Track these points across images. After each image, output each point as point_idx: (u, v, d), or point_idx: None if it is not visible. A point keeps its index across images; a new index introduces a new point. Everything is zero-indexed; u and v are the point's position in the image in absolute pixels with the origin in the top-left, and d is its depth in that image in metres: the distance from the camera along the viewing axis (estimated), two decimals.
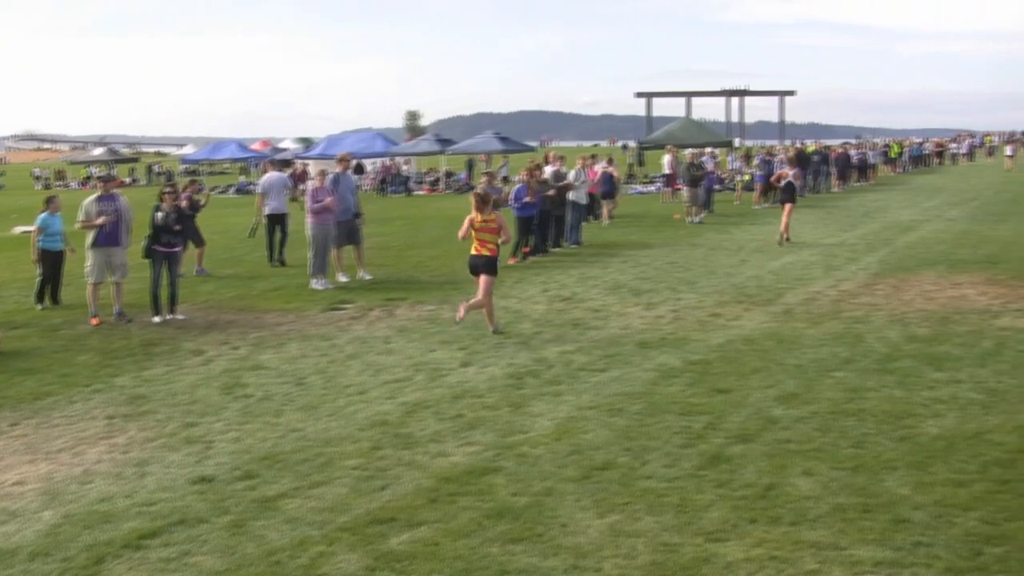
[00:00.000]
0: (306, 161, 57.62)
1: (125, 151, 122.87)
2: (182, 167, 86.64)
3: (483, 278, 15.97)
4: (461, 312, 16.09)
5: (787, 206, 28.42)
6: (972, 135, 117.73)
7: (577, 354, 14.45)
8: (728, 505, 8.49)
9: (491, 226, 16.10)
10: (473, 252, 16.21)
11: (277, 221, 25.69)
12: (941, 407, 11.32)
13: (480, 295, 16.06)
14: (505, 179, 36.83)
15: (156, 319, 17.86)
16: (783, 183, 29.36)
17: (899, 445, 10.02)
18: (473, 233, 16.17)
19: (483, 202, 16.20)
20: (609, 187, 36.80)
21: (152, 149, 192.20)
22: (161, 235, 17.99)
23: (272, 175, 27.07)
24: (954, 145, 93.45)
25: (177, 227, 18.19)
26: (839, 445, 10.07)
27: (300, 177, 46.76)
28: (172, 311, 18.20)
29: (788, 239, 27.83)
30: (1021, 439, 10.06)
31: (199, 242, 24.63)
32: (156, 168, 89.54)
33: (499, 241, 16.30)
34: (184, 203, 24.15)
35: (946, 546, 7.57)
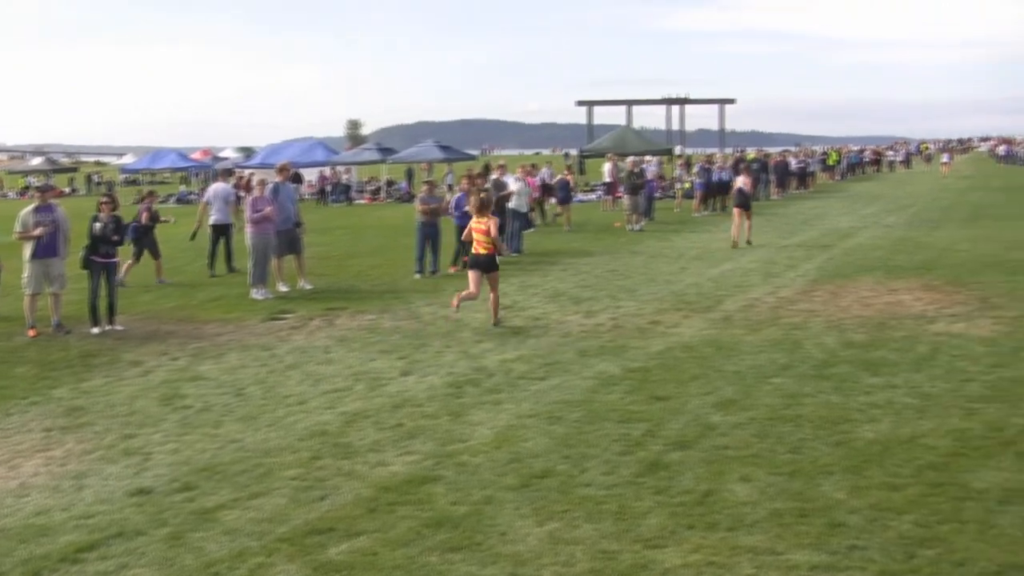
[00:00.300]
0: (252, 171, 57.50)
1: (64, 160, 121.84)
2: (122, 176, 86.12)
3: (489, 277, 17.55)
4: (495, 317, 17.62)
5: (739, 210, 29.65)
6: (907, 142, 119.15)
7: (517, 362, 14.48)
8: (666, 512, 8.54)
9: (481, 227, 17.60)
10: (473, 252, 17.82)
11: (221, 232, 25.75)
12: (877, 412, 11.43)
13: (491, 292, 17.62)
14: (450, 187, 37.12)
15: (95, 330, 17.73)
16: (736, 190, 30.59)
17: (835, 450, 10.12)
18: (474, 236, 17.76)
19: (482, 206, 17.95)
20: (565, 193, 38.31)
21: (91, 158, 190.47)
22: (99, 245, 17.87)
23: (217, 185, 27.28)
24: (891, 153, 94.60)
25: (115, 237, 18.07)
26: (776, 451, 10.15)
27: (245, 187, 46.64)
28: (111, 322, 18.07)
29: (749, 243, 29.03)
30: (954, 443, 10.19)
31: (156, 254, 24.65)
32: (95, 178, 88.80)
33: (493, 240, 17.64)
34: (144, 215, 24.26)
35: (881, 549, 7.66)
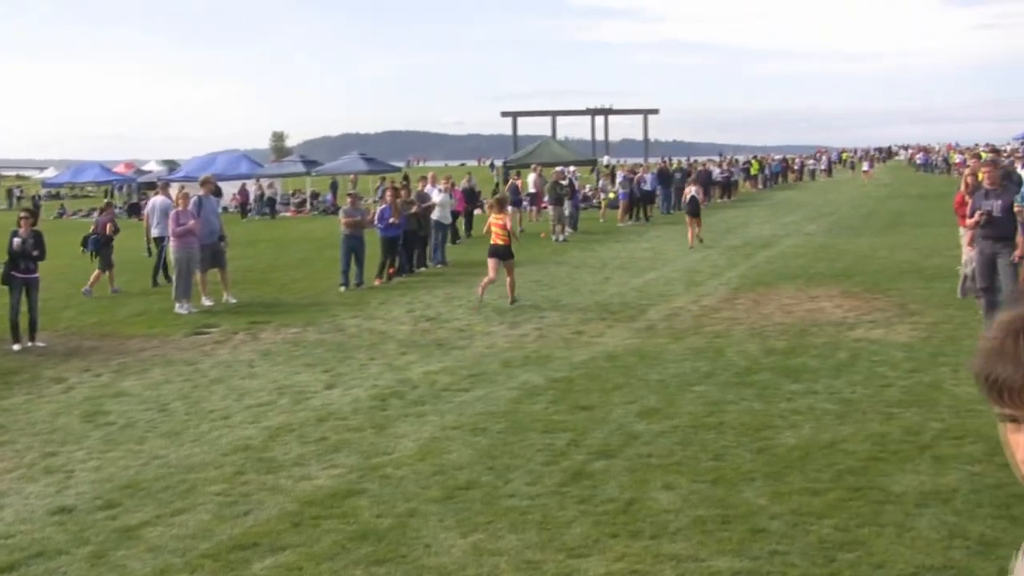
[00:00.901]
0: (182, 184, 57.08)
1: None
2: (44, 190, 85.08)
3: (506, 264, 20.55)
4: (511, 296, 20.57)
5: (691, 218, 31.82)
6: (827, 151, 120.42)
7: (441, 374, 14.50)
8: (590, 521, 8.58)
9: (499, 222, 20.79)
10: (492, 243, 20.69)
11: (161, 244, 25.86)
12: (798, 418, 11.55)
13: (508, 276, 20.57)
14: (381, 198, 37.47)
15: (15, 347, 17.54)
16: (688, 197, 32.74)
17: (757, 456, 10.20)
18: (492, 228, 20.85)
19: (500, 205, 21.94)
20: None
21: (12, 172, 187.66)
22: (19, 261, 17.69)
23: (157, 199, 27.39)
24: (812, 161, 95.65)
25: (35, 252, 17.87)
26: (699, 458, 10.23)
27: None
28: (32, 338, 17.88)
29: (701, 241, 31.16)
30: (873, 447, 10.32)
31: (106, 266, 25.08)
32: (17, 192, 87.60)
33: (509, 233, 20.78)
34: (108, 226, 24.57)
35: (801, 554, 7.74)
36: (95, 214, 60.59)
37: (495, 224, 20.90)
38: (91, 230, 25.86)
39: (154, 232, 26.23)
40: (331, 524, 8.74)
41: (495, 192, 60.57)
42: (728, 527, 8.32)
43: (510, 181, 43.03)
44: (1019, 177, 24.15)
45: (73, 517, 9.23)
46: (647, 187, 45.39)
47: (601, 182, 52.04)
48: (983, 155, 36.22)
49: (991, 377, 1.80)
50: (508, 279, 20.58)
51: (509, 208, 24.59)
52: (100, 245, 24.98)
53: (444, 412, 12.40)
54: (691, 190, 33.30)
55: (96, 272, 24.83)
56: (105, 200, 32.69)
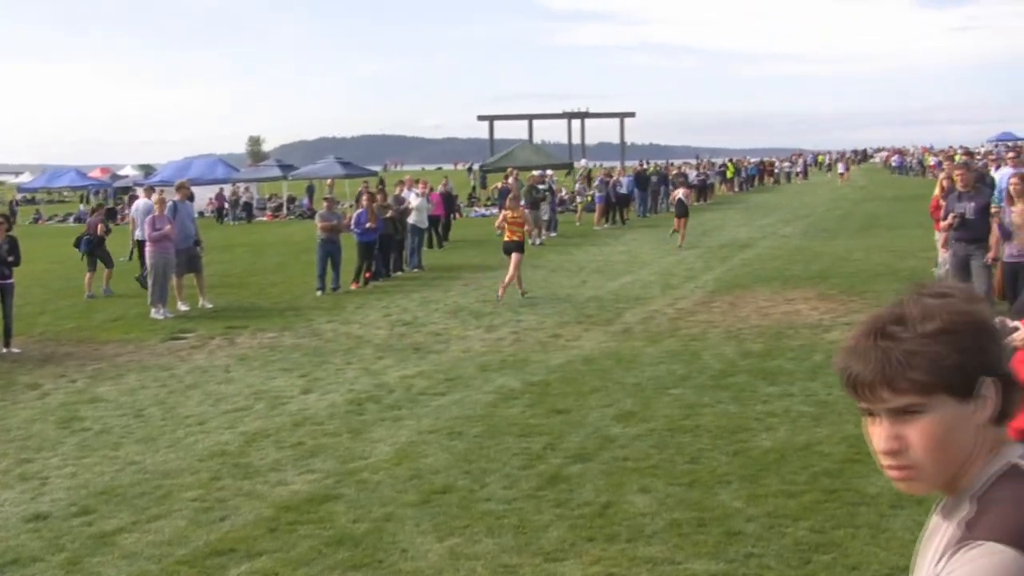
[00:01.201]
0: (162, 189, 56.94)
1: None
2: (19, 195, 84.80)
3: (515, 256, 21.43)
4: (501, 292, 21.39)
5: (679, 220, 32.99)
6: (802, 153, 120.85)
7: (418, 378, 14.50)
8: (566, 524, 8.58)
9: (518, 220, 22.15)
10: (506, 239, 21.95)
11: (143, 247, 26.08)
12: (774, 420, 11.57)
13: (511, 269, 21.38)
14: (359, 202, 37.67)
15: None
16: (676, 199, 34.23)
17: (733, 459, 10.22)
18: (506, 225, 21.99)
19: (515, 202, 22.96)
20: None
21: None
22: None
23: (141, 201, 27.54)
24: (787, 164, 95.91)
25: (10, 258, 17.80)
26: (675, 461, 10.24)
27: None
28: (7, 344, 17.81)
29: (680, 246, 31.61)
30: (848, 449, 10.33)
31: (109, 263, 25.89)
32: None
33: (524, 230, 22.35)
34: (100, 227, 25.10)
35: (777, 556, 7.76)
36: (71, 219, 60.50)
37: (513, 221, 21.91)
38: (85, 231, 26.25)
39: (138, 234, 26.33)
40: (307, 529, 8.73)
41: (472, 194, 60.98)
42: (704, 530, 8.33)
43: (501, 184, 43.29)
44: (992, 179, 24.30)
45: (48, 524, 9.19)
46: (623, 190, 45.51)
47: (578, 185, 52.03)
48: (957, 158, 36.44)
49: (847, 373, 2.02)
50: (509, 273, 21.37)
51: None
52: (93, 246, 25.54)
53: (420, 416, 12.40)
54: (678, 192, 34.70)
55: (107, 271, 25.58)
56: (81, 205, 33.08)
